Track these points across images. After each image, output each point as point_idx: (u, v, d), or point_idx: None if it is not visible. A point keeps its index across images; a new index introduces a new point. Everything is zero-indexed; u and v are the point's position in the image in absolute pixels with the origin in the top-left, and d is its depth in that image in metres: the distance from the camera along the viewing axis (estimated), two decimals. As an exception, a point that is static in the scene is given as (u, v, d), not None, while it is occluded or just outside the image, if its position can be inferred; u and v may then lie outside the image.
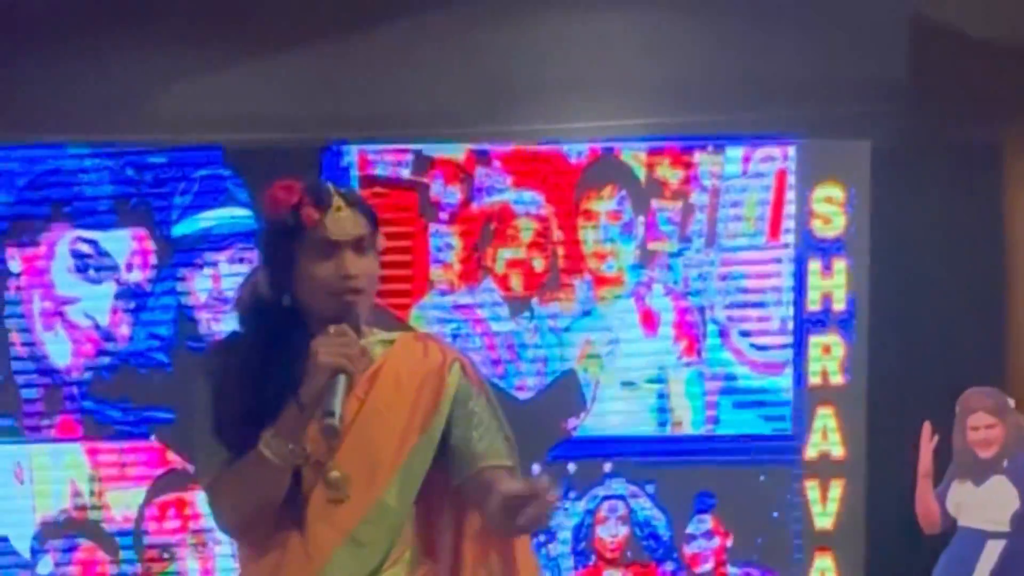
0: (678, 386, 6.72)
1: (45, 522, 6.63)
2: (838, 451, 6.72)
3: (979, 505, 5.91)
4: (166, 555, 6.66)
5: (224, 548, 6.49)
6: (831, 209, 6.71)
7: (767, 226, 6.71)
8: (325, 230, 2.87)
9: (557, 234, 6.72)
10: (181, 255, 6.64)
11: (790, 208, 6.70)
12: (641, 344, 6.72)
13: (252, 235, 6.25)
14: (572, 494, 6.70)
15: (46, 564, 6.64)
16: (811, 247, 6.71)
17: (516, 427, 3.00)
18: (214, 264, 6.64)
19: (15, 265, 6.65)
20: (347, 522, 2.88)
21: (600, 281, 6.73)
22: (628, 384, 6.73)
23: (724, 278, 6.72)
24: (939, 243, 6.68)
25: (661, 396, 6.73)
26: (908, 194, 6.65)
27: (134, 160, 6.65)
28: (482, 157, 6.70)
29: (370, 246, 2.92)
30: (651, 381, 6.73)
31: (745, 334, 6.73)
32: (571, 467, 6.69)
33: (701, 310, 6.73)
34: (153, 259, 6.65)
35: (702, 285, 6.72)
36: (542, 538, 6.59)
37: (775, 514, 6.73)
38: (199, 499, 6.29)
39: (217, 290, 6.61)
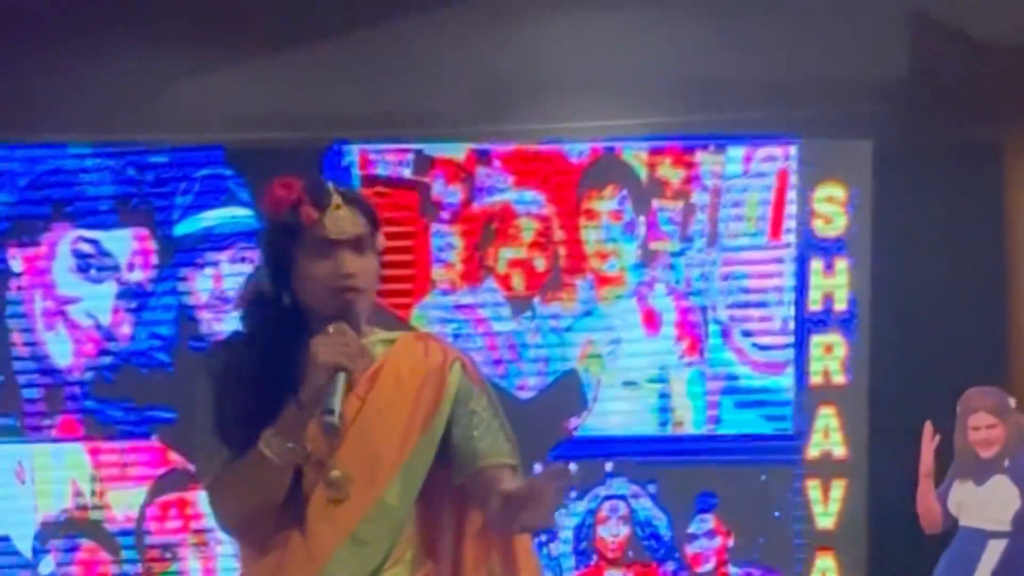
0: (680, 386, 6.72)
1: (47, 522, 6.63)
2: (839, 451, 6.72)
3: (980, 505, 5.91)
4: (167, 555, 6.66)
5: (225, 548, 6.49)
6: (832, 209, 6.71)
7: (768, 226, 6.71)
8: (323, 229, 2.86)
9: (558, 234, 6.72)
10: (182, 255, 6.64)
11: (791, 208, 6.70)
12: (642, 344, 6.72)
13: (253, 235, 6.23)
14: (573, 494, 6.70)
15: (47, 564, 6.64)
16: (812, 247, 6.71)
17: (517, 427, 3.00)
18: (215, 264, 6.64)
19: (16, 265, 6.65)
20: (348, 521, 2.88)
21: (601, 281, 6.73)
22: (630, 384, 6.73)
23: (726, 278, 6.72)
24: (940, 243, 6.67)
25: (663, 396, 6.72)
26: (909, 194, 6.64)
27: (135, 160, 6.65)
28: (483, 157, 6.70)
29: (370, 245, 2.91)
30: (652, 381, 6.73)
31: (747, 334, 6.73)
32: (572, 467, 6.68)
33: (703, 310, 6.73)
34: (154, 259, 6.65)
35: (704, 285, 6.72)
36: (543, 537, 6.58)
37: (776, 514, 6.73)
38: (200, 499, 6.27)
39: (218, 290, 6.61)
